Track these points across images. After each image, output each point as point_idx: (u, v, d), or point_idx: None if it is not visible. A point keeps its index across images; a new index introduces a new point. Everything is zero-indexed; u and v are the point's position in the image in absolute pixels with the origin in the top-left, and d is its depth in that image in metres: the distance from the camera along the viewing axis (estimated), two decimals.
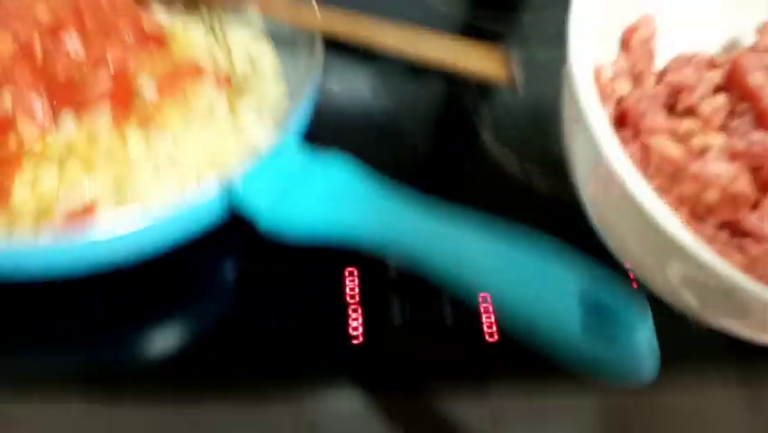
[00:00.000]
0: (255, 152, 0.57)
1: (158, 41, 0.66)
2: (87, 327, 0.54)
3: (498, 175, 0.62)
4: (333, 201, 0.49)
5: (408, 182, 0.49)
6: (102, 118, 0.59)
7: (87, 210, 0.54)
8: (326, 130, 0.60)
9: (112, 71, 0.62)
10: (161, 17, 0.68)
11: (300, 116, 0.56)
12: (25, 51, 0.61)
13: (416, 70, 0.60)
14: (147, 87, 0.62)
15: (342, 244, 0.48)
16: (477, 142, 0.66)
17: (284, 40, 0.69)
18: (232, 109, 0.63)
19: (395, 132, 0.67)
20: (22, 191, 0.54)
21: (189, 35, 0.68)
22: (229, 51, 0.68)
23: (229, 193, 0.50)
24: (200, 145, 0.59)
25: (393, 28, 0.58)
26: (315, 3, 0.64)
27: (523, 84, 0.50)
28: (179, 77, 0.63)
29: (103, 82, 0.61)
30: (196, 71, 0.65)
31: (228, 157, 0.58)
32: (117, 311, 0.54)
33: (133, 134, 0.58)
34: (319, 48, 0.62)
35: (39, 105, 0.59)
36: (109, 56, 0.62)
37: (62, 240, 0.47)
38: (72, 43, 0.63)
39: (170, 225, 0.49)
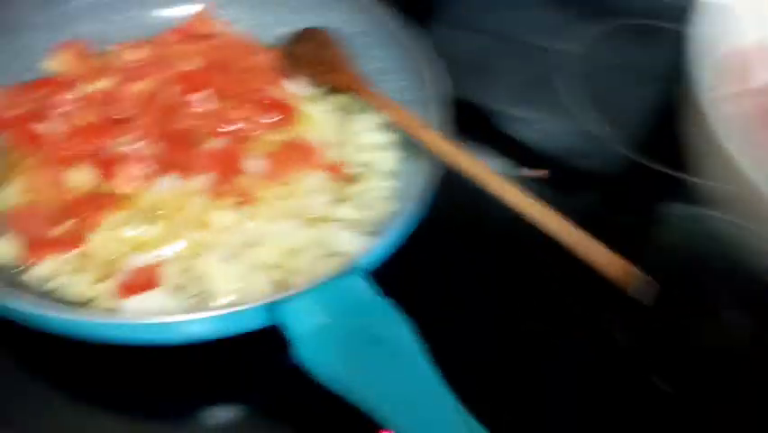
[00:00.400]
0: (338, 258, 0.54)
1: (282, 111, 0.64)
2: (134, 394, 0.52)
3: None
4: (372, 362, 0.43)
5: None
6: (201, 184, 0.58)
7: (150, 273, 0.52)
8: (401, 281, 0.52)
9: (228, 139, 0.62)
10: (292, 89, 0.67)
11: (387, 246, 0.51)
12: (154, 99, 0.63)
13: None
14: (256, 163, 0.60)
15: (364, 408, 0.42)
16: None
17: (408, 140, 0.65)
18: (331, 203, 0.60)
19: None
20: (99, 236, 0.54)
21: (313, 114, 0.65)
22: (348, 139, 0.65)
23: (275, 307, 0.46)
24: (283, 238, 0.56)
25: (522, 193, 0.53)
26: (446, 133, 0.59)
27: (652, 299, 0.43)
28: (291, 159, 0.61)
29: (216, 146, 0.61)
30: (308, 154, 0.62)
31: (302, 259, 0.55)
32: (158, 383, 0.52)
33: (225, 209, 0.57)
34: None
35: (149, 153, 0.59)
36: (230, 124, 0.63)
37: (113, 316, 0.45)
38: (199, 101, 0.63)
39: (216, 321, 0.46)
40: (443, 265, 0.61)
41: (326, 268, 0.53)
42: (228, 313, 0.45)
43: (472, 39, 0.83)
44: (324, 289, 0.45)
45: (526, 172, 0.67)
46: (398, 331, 0.44)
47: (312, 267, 0.54)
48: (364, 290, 0.46)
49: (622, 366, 0.55)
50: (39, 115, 0.60)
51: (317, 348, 0.43)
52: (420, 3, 0.72)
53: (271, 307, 0.45)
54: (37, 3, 0.67)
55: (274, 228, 0.56)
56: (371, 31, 0.69)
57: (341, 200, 0.60)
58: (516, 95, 0.77)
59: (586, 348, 0.56)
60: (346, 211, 0.59)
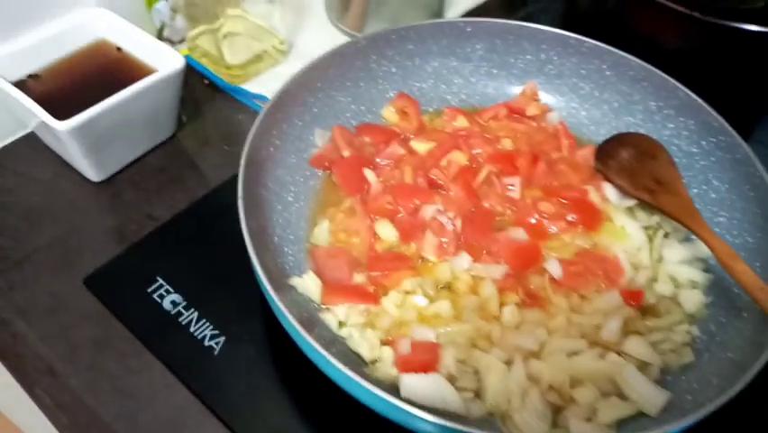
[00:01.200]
0: (622, 403, 0.49)
1: (593, 217, 0.61)
2: None
3: None
4: None
5: None
6: (496, 273, 0.56)
7: (432, 353, 0.51)
8: None
9: (529, 232, 0.59)
10: (607, 195, 0.63)
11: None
12: (470, 173, 0.63)
13: None
14: (552, 264, 0.57)
15: None
16: None
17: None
18: (624, 332, 0.54)
19: None
20: (391, 297, 0.55)
21: (625, 227, 0.61)
22: (656, 266, 0.59)
23: None
24: (566, 360, 0.51)
25: None
26: None
27: None
28: (590, 270, 0.57)
29: (517, 237, 0.59)
30: (610, 271, 0.58)
31: (582, 391, 0.50)
32: None
33: (513, 306, 0.55)
34: None
35: (452, 228, 0.59)
36: (535, 215, 0.60)
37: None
38: (515, 186, 0.62)
39: None
40: None
41: (607, 410, 0.49)
42: None
43: None
44: None
45: None
46: None
47: (590, 403, 0.49)
48: None
49: None
50: (369, 162, 0.63)
51: None
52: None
53: None
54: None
55: (560, 344, 0.52)
56: (714, 153, 0.62)
57: (634, 332, 0.54)
58: None
59: None
60: (639, 347, 0.53)
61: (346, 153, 0.63)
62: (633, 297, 0.56)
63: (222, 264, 0.58)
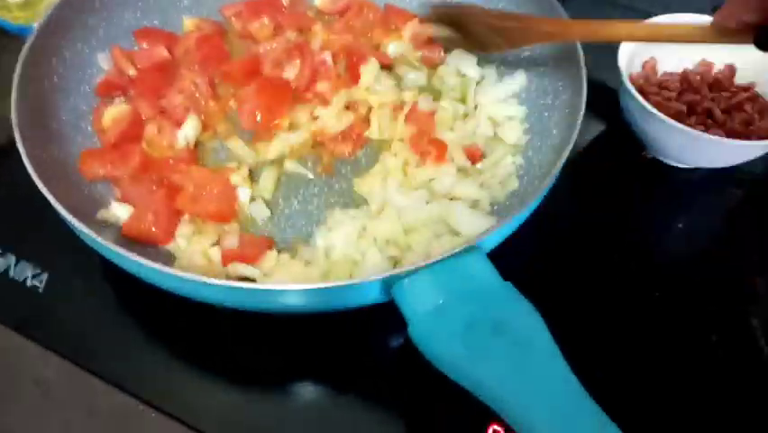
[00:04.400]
0: (456, 238, 0.51)
1: None
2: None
3: None
4: (496, 351, 0.38)
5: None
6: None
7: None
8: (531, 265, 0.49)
9: None
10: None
11: (515, 220, 0.45)
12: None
13: None
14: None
15: (480, 396, 0.38)
16: None
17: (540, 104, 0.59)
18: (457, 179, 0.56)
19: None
20: None
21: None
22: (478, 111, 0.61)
23: (392, 282, 0.42)
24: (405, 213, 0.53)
25: None
26: None
27: None
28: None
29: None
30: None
31: (418, 236, 0.51)
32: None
33: None
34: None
35: None
36: None
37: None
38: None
39: (331, 293, 0.43)
40: (558, 249, 0.55)
41: (442, 247, 0.50)
42: (344, 285, 0.42)
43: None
44: (444, 267, 0.41)
45: None
46: (526, 320, 0.39)
47: (425, 247, 0.51)
48: (485, 271, 0.42)
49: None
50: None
51: (435, 329, 0.39)
52: None
53: (388, 282, 0.41)
54: None
55: (397, 200, 0.53)
56: None
57: (465, 176, 0.56)
58: None
59: (725, 350, 0.50)
60: (468, 188, 0.55)
61: (131, 72, 0.60)
62: (471, 155, 0.58)
63: (32, 205, 0.54)
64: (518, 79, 0.61)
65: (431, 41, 0.64)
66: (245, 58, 0.63)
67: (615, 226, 0.58)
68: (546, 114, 0.58)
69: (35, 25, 0.58)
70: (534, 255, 0.54)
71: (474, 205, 0.55)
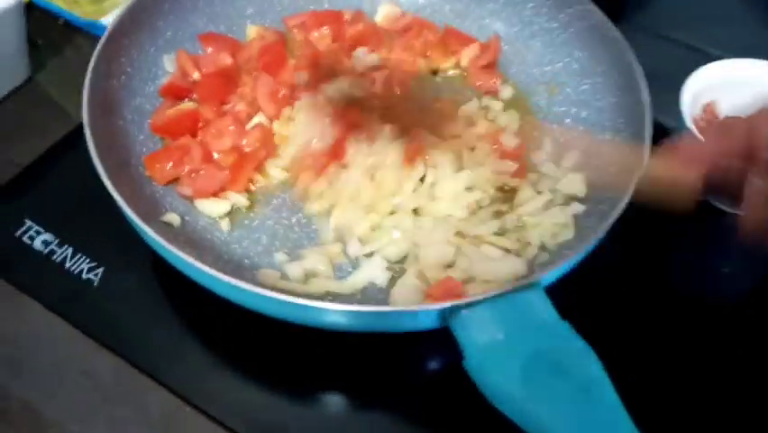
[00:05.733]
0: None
1: None
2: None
3: None
4: (554, 391, 0.38)
5: None
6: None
7: None
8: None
9: None
10: None
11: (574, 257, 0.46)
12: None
13: None
14: None
15: None
16: None
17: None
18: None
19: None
20: None
21: None
22: None
23: (451, 312, 0.42)
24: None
25: None
26: None
27: None
28: None
29: None
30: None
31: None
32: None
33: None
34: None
35: None
36: None
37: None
38: None
39: (386, 317, 0.44)
40: (606, 287, 0.55)
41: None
42: (401, 311, 0.43)
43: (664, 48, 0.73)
44: (505, 301, 0.42)
45: None
46: (586, 363, 0.39)
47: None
48: (545, 309, 0.42)
49: None
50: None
51: (493, 364, 0.40)
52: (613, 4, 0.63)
53: (446, 312, 0.42)
54: None
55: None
56: (572, 24, 0.63)
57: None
58: None
59: None
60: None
61: (196, 76, 0.61)
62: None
63: (92, 199, 0.54)
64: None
65: (488, 68, 0.65)
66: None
67: (663, 266, 0.58)
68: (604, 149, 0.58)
69: (107, 24, 0.60)
70: (581, 293, 0.54)
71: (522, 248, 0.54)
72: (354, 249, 0.53)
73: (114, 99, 0.55)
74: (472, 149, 0.58)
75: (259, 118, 0.59)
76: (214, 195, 0.55)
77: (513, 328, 0.41)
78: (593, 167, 0.57)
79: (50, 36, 0.70)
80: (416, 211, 0.55)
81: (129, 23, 0.57)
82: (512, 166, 0.57)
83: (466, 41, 0.67)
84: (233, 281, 0.42)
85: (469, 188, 0.56)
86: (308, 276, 0.52)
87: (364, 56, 0.65)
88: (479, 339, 0.41)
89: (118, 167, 0.51)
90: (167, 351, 0.50)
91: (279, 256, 0.53)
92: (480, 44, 0.66)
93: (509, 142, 0.59)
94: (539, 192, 0.57)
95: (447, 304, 0.42)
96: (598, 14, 0.61)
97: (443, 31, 0.68)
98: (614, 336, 0.51)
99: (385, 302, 0.50)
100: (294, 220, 0.56)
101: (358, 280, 0.52)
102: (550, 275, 0.45)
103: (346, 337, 0.48)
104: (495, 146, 0.59)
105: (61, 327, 0.51)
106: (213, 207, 0.55)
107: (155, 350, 0.50)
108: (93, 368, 0.50)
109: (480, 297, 0.42)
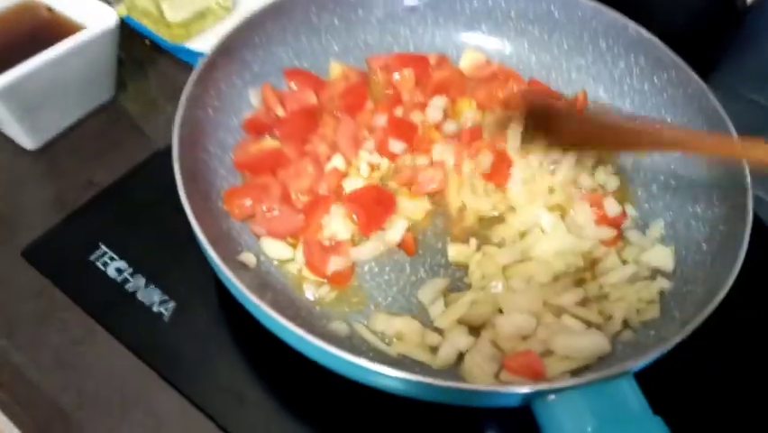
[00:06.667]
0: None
1: None
2: None
3: None
4: None
5: None
6: None
7: None
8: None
9: None
10: None
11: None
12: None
13: None
14: None
15: None
16: None
17: None
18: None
19: None
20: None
21: None
22: None
23: (537, 396, 0.40)
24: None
25: None
26: None
27: None
28: None
29: None
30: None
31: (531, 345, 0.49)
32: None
33: None
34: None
35: None
36: None
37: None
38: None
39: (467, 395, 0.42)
40: (701, 376, 0.53)
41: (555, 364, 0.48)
42: (484, 391, 0.42)
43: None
44: (595, 390, 0.40)
45: None
46: None
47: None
48: (637, 401, 0.40)
49: None
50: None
51: None
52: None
53: (531, 395, 0.40)
54: None
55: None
56: (666, 89, 0.61)
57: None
58: None
59: None
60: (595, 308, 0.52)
61: (280, 112, 0.60)
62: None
63: (168, 229, 0.55)
64: None
65: None
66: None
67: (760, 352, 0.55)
68: (694, 223, 0.56)
69: (192, 48, 0.60)
70: (671, 380, 0.51)
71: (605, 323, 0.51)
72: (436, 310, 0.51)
73: (199, 131, 0.55)
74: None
75: (336, 160, 0.59)
76: (283, 237, 0.55)
77: (603, 421, 0.39)
78: (682, 239, 0.55)
79: (135, 56, 0.71)
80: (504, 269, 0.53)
81: (222, 54, 0.57)
82: (611, 233, 0.55)
83: (551, 95, 0.65)
84: (321, 344, 0.41)
85: (559, 252, 0.54)
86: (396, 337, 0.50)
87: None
88: (565, 428, 0.39)
89: (201, 201, 0.51)
90: (232, 395, 0.49)
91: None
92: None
93: (612, 209, 0.57)
94: (624, 261, 0.55)
95: (535, 387, 0.40)
96: (697, 82, 0.58)
97: (527, 82, 0.67)
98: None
99: (455, 368, 0.48)
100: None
101: (449, 353, 0.49)
102: (642, 363, 0.42)
103: (419, 402, 0.47)
104: (595, 208, 0.57)
105: (128, 358, 0.51)
106: (278, 250, 0.54)
107: (221, 393, 0.49)
108: (157, 407, 0.49)
109: (570, 383, 0.40)
